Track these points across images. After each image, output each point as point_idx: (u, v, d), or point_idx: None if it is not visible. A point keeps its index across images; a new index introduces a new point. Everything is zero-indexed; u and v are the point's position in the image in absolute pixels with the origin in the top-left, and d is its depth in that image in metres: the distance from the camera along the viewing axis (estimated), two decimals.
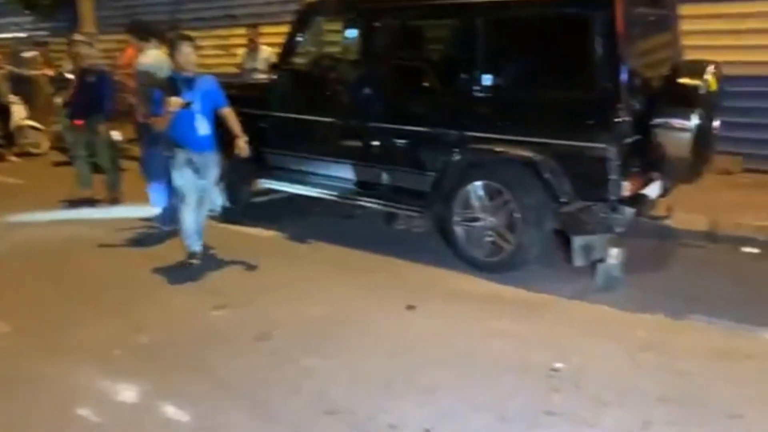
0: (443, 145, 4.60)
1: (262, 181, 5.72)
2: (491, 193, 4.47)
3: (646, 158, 4.14)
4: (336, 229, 5.58)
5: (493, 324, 3.78)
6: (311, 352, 3.50)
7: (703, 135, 4.11)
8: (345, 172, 5.25)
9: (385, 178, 5.02)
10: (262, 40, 8.23)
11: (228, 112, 4.75)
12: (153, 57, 5.40)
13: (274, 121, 5.55)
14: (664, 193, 4.67)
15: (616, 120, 3.94)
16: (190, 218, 4.71)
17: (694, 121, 3.96)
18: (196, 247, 4.77)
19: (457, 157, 4.49)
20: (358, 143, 5.08)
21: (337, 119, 5.15)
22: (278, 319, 3.88)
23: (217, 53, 10.16)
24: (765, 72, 6.20)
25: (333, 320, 3.87)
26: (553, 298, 4.14)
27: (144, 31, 5.66)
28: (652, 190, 4.45)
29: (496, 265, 4.48)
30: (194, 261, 4.73)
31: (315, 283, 4.43)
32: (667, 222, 5.37)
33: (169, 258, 4.86)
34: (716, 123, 4.34)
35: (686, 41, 5.18)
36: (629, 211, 4.03)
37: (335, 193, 5.25)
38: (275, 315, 3.94)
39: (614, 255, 4.18)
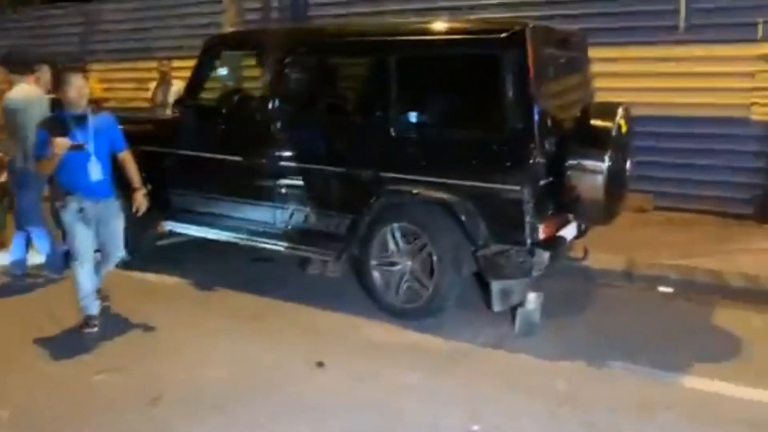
0: (359, 187, 4.39)
1: (167, 223, 5.33)
2: (408, 236, 4.27)
3: (561, 200, 4.05)
4: (247, 274, 5.23)
5: (407, 379, 3.54)
6: (204, 420, 3.13)
7: (616, 176, 4.07)
8: (253, 214, 4.94)
9: (296, 220, 4.76)
10: (176, 73, 7.90)
11: (127, 158, 4.27)
12: (23, 92, 4.88)
13: (178, 159, 5.18)
14: (580, 234, 4.61)
15: (530, 161, 3.85)
16: (85, 279, 4.15)
17: (607, 162, 3.91)
18: (94, 310, 4.21)
19: (373, 199, 4.28)
20: (267, 184, 4.80)
21: (245, 158, 4.86)
22: (171, 383, 3.49)
23: (131, 86, 9.72)
24: (672, 113, 6.39)
25: (232, 382, 3.51)
26: (471, 347, 3.94)
27: (16, 63, 5.05)
28: (568, 231, 4.37)
29: (414, 312, 4.27)
30: (91, 328, 4.14)
31: (216, 338, 4.06)
32: (585, 263, 5.37)
33: (51, 314, 4.37)
34: (628, 163, 4.32)
35: (597, 83, 5.24)
36: (545, 254, 3.91)
37: (243, 237, 4.92)
38: (168, 377, 3.55)
39: (533, 300, 4.05)
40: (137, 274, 5.20)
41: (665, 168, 6.49)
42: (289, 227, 4.81)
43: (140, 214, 4.32)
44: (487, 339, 4.04)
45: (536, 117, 3.85)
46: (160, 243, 5.64)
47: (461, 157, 4.07)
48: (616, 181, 4.08)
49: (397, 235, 4.29)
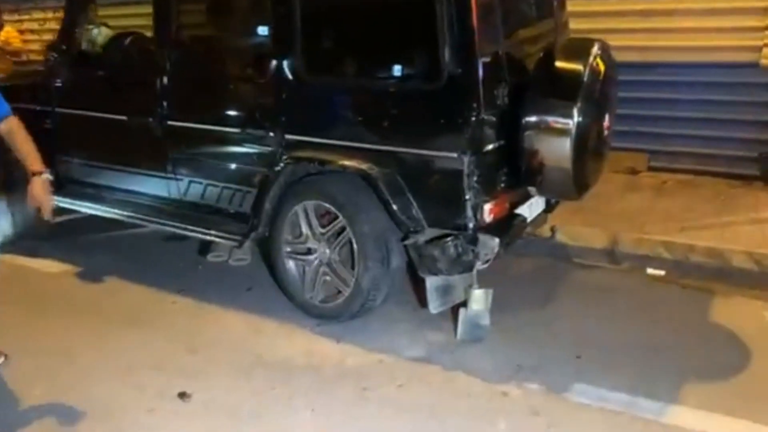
0: (260, 153, 3.44)
1: (54, 198, 4.36)
2: (324, 218, 3.34)
3: (517, 169, 3.09)
4: (147, 259, 4.31)
5: (297, 419, 2.66)
6: None
7: (590, 135, 3.09)
8: (145, 186, 4.00)
9: (193, 194, 3.81)
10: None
11: (13, 128, 2.78)
12: None
13: (55, 119, 4.21)
14: (549, 208, 3.67)
15: (472, 119, 2.87)
16: None
17: (577, 118, 2.93)
18: None
19: (276, 169, 3.33)
20: (156, 149, 3.83)
21: (130, 118, 3.87)
22: None
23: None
24: (669, 58, 5.33)
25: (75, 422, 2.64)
26: (397, 362, 3.05)
27: None
28: (529, 208, 3.44)
29: (334, 312, 3.37)
30: None
31: (70, 357, 3.15)
32: (559, 238, 4.46)
33: None
34: (607, 118, 3.33)
35: (577, 24, 4.22)
36: (494, 240, 2.97)
37: (134, 214, 3.97)
38: None
39: (478, 298, 3.13)
40: (22, 260, 4.29)
41: (659, 123, 5.48)
42: (185, 203, 3.87)
43: (46, 214, 2.89)
44: (420, 349, 3.16)
45: (480, 59, 2.86)
46: (59, 220, 4.70)
47: (385, 115, 3.09)
48: (590, 141, 3.10)
49: (311, 215, 3.36)
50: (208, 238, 3.69)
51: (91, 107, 4.06)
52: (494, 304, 3.16)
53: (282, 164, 3.29)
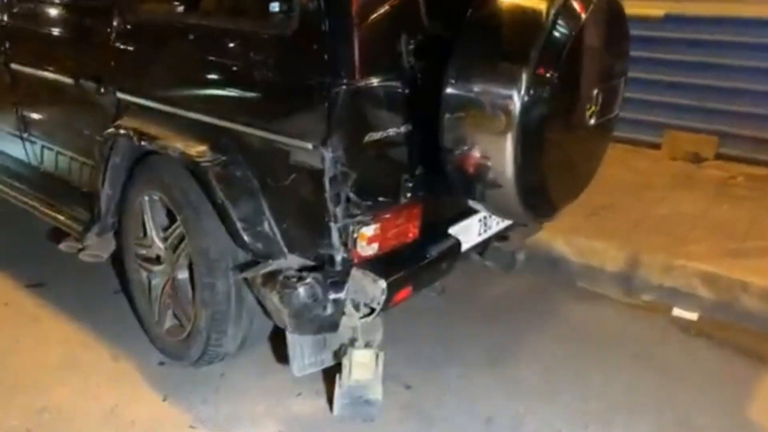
0: (96, 116, 2.43)
1: None
2: (168, 217, 2.33)
3: (437, 172, 1.92)
4: (30, 239, 3.44)
5: None
6: None
7: (553, 121, 1.86)
8: (5, 147, 3.12)
9: (47, 163, 2.89)
10: None
11: None
12: None
13: None
14: (508, 228, 2.48)
15: (338, 90, 1.72)
16: None
17: (524, 91, 1.71)
18: None
19: (103, 141, 2.32)
20: (7, 100, 2.92)
21: None
22: None
23: None
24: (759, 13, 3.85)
25: None
26: None
27: None
28: (480, 224, 2.28)
29: (178, 352, 2.37)
30: None
31: None
32: (562, 251, 3.26)
33: None
34: (597, 95, 2.04)
35: None
36: (375, 287, 1.85)
37: None
38: None
39: (361, 363, 2.05)
40: None
41: (735, 97, 4.04)
42: (42, 174, 2.96)
43: None
44: (274, 426, 2.14)
45: None
46: None
47: (225, 73, 1.98)
48: (556, 132, 1.89)
49: (153, 211, 2.35)
50: (53, 222, 2.77)
51: None
52: (431, 344, 2.10)
53: (106, 136, 2.28)
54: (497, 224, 2.42)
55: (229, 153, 1.97)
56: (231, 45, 1.95)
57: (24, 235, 3.30)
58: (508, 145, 1.77)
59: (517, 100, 1.72)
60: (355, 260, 1.84)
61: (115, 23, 2.24)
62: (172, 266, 2.31)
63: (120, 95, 2.28)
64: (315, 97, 1.73)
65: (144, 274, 2.46)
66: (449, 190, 1.97)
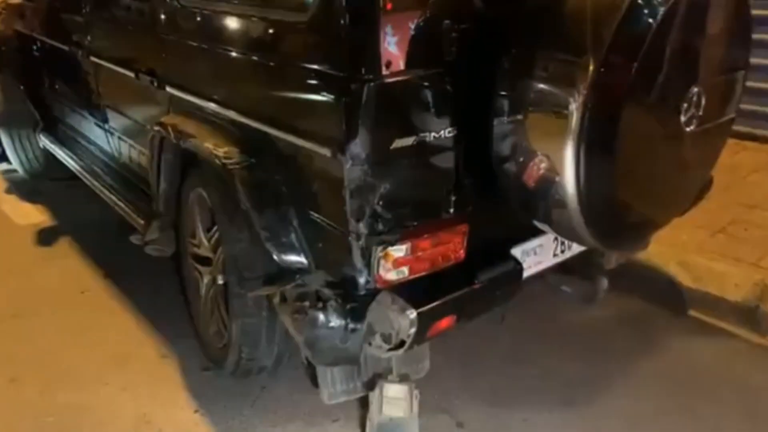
0: (152, 108, 2.37)
1: (40, 136, 3.81)
2: (211, 218, 2.21)
3: (494, 183, 1.61)
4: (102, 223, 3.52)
5: None
6: None
7: (633, 126, 1.48)
8: (91, 134, 3.22)
9: (124, 154, 2.90)
10: None
11: None
12: None
13: (35, 45, 3.55)
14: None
15: (357, 86, 1.43)
16: None
17: (595, 89, 1.34)
18: None
19: (155, 135, 2.23)
20: (93, 92, 2.97)
21: (70, 48, 3.03)
22: None
23: None
24: None
25: None
26: None
27: None
28: (544, 250, 1.92)
29: (219, 359, 2.24)
30: None
31: None
32: (674, 272, 2.77)
33: None
34: (698, 96, 1.60)
35: None
36: (403, 317, 1.58)
37: (84, 171, 3.20)
38: None
39: (394, 399, 1.80)
40: (11, 202, 3.87)
41: None
42: (118, 165, 3.00)
43: None
44: None
45: None
46: None
47: (252, 67, 1.79)
48: (644, 141, 1.51)
49: (201, 210, 2.24)
50: (122, 214, 2.78)
51: (47, 32, 3.33)
52: (493, 377, 1.90)
53: (154, 131, 2.19)
54: (547, 259, 2.03)
55: (258, 155, 1.79)
56: (251, 34, 1.76)
57: (111, 224, 3.38)
58: (569, 154, 1.42)
59: (580, 99, 1.37)
60: (378, 285, 1.58)
61: (162, 15, 2.14)
62: (216, 269, 2.19)
63: (169, 89, 2.18)
64: (332, 96, 1.49)
65: (196, 273, 2.38)
66: (509, 204, 1.66)
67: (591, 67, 1.36)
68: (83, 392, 2.20)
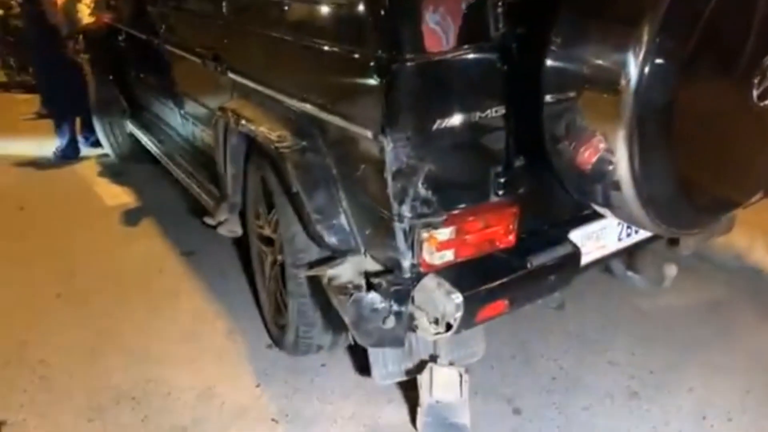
0: (218, 93, 2.43)
1: (127, 123, 4.04)
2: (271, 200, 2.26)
3: (544, 167, 1.54)
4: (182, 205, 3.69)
5: None
6: None
7: (699, 100, 1.38)
8: (172, 120, 3.36)
9: (198, 139, 3.02)
10: None
11: None
12: None
13: (123, 36, 3.74)
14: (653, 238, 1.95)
15: (402, 59, 1.40)
16: None
17: (650, 59, 1.25)
18: None
19: (218, 120, 2.30)
20: (169, 78, 3.10)
21: (148, 36, 3.17)
22: None
23: None
24: None
25: None
26: None
27: None
28: (606, 234, 1.82)
29: (281, 338, 2.31)
30: None
31: None
32: (759, 259, 2.57)
33: None
34: None
35: None
36: (449, 300, 1.55)
37: (164, 156, 3.36)
38: None
39: (443, 383, 1.78)
40: (103, 183, 4.15)
41: None
42: (192, 149, 3.12)
43: None
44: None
45: None
46: None
47: (297, 49, 1.78)
48: (708, 116, 1.39)
49: (263, 193, 2.29)
50: (196, 196, 2.90)
51: (134, 25, 3.48)
52: (555, 365, 1.90)
53: (217, 116, 2.26)
54: (610, 244, 1.92)
55: (309, 139, 1.80)
56: (298, 18, 1.77)
57: (189, 205, 3.54)
58: (622, 132, 1.34)
59: (633, 71, 1.29)
60: (422, 268, 1.56)
61: (224, 1, 2.19)
62: (276, 250, 2.25)
63: (231, 75, 2.24)
64: (373, 77, 1.46)
65: (261, 254, 2.45)
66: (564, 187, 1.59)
67: (645, 37, 1.27)
68: (156, 366, 2.33)
